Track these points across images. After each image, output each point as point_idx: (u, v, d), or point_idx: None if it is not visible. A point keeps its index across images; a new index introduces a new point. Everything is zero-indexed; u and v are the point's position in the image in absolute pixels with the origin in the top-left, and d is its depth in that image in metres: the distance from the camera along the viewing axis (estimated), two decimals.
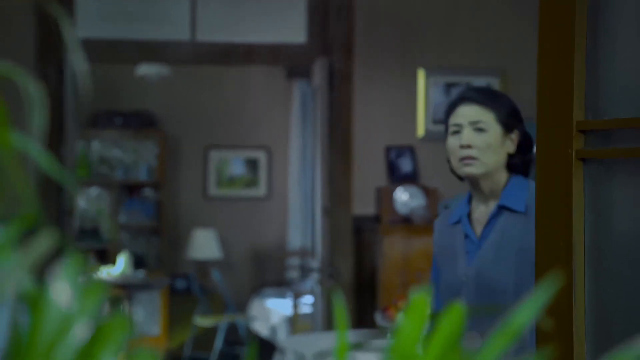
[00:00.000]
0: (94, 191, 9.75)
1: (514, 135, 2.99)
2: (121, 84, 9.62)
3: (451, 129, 2.99)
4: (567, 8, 1.98)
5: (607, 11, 1.93)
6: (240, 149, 10.05)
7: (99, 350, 0.69)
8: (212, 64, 8.36)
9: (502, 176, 2.97)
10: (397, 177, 6.88)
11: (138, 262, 9.35)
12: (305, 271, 9.41)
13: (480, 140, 2.91)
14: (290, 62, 7.60)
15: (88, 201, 9.66)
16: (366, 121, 6.82)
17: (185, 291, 9.48)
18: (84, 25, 6.87)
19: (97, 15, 6.95)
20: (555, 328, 1.92)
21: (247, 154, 10.07)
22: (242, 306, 9.57)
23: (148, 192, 9.91)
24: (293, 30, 7.09)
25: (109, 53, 7.07)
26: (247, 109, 9.94)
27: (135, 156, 9.90)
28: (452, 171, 3.04)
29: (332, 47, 6.88)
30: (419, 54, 6.90)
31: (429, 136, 6.87)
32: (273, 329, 8.62)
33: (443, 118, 3.10)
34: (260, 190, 10.09)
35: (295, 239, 9.84)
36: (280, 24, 7.13)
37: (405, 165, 6.90)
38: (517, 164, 3.00)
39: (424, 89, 6.86)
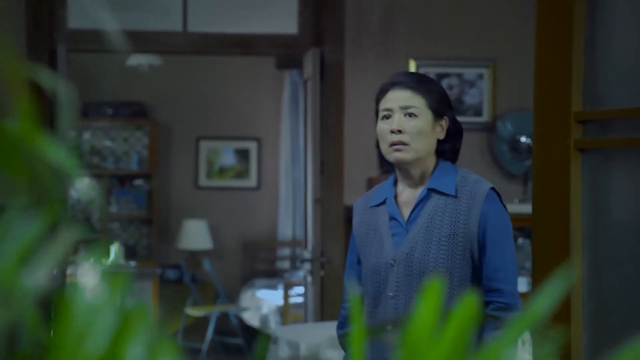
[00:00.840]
0: (85, 181, 9.74)
1: (444, 122, 2.95)
2: (112, 74, 9.60)
3: (381, 113, 2.95)
4: None
5: (606, 1, 1.94)
6: (231, 140, 10.04)
7: (126, 340, 0.70)
8: (204, 54, 8.34)
9: (432, 162, 2.95)
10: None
11: (129, 252, 9.34)
12: (296, 261, 9.42)
13: (411, 125, 2.88)
14: (281, 52, 7.59)
15: (79, 191, 9.64)
16: (357, 111, 6.83)
17: (176, 281, 9.48)
18: (75, 15, 6.85)
19: (89, 4, 6.93)
20: (554, 314, 1.93)
21: (237, 144, 10.07)
22: (233, 296, 9.58)
23: (139, 182, 9.90)
24: (284, 20, 7.08)
25: (100, 43, 7.05)
26: (237, 100, 9.93)
27: (126, 146, 9.89)
28: (381, 157, 3.00)
29: (323, 38, 6.88)
30: (410, 45, 6.90)
31: None
32: (264, 319, 8.63)
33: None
34: (251, 180, 10.09)
35: (286, 229, 9.84)
36: (272, 15, 7.13)
37: None
38: (447, 151, 2.97)
39: None
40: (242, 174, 10.08)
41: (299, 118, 9.50)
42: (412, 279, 2.82)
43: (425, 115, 2.89)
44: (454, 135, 2.98)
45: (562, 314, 1.88)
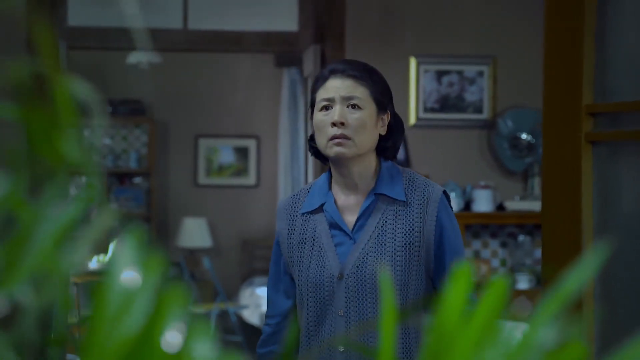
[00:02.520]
0: (83, 179, 9.74)
1: (386, 116, 2.69)
2: (111, 72, 9.59)
3: (320, 104, 2.67)
4: None
5: None
6: (229, 137, 10.04)
7: (162, 322, 0.70)
8: (203, 51, 8.35)
9: (372, 160, 2.68)
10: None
11: None
12: None
13: (354, 118, 2.61)
14: (282, 49, 7.59)
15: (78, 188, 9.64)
16: None
17: (175, 279, 9.48)
18: (75, 13, 6.85)
19: (89, 2, 6.93)
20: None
21: (236, 142, 10.07)
22: (232, 294, 9.57)
23: (138, 180, 9.90)
24: (285, 18, 7.09)
25: (100, 40, 7.05)
26: (236, 98, 9.93)
27: (125, 144, 9.88)
28: (316, 153, 2.73)
29: (323, 35, 6.88)
30: (410, 42, 6.91)
31: (421, 124, 6.87)
32: (263, 317, 8.63)
33: (311, 90, 2.75)
34: (250, 178, 10.09)
35: None
36: (272, 12, 7.13)
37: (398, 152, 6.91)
38: (387, 148, 2.71)
39: (416, 77, 6.87)
40: (241, 171, 10.08)
41: (298, 116, 9.51)
42: (365, 295, 2.57)
43: (369, 107, 2.64)
44: (396, 131, 2.73)
45: (572, 306, 1.87)
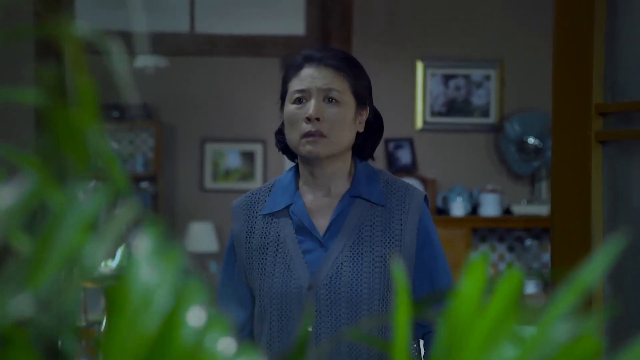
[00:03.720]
0: (90, 183, 9.75)
1: (365, 112, 2.44)
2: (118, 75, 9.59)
3: (293, 95, 2.38)
4: None
5: None
6: (236, 142, 10.05)
7: (182, 318, 0.70)
8: (210, 55, 8.35)
9: (347, 160, 2.42)
10: (395, 169, 6.88)
11: None
12: None
13: (331, 113, 2.34)
14: (288, 53, 7.59)
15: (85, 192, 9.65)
16: None
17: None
18: (82, 17, 6.86)
19: (96, 5, 6.94)
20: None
21: (243, 146, 10.07)
22: None
23: (144, 184, 9.90)
24: (291, 21, 7.09)
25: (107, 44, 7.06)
26: (243, 101, 9.93)
27: (131, 148, 9.89)
28: (284, 148, 2.47)
29: (329, 39, 6.89)
30: (417, 46, 6.90)
31: (428, 128, 6.87)
32: None
33: (282, 80, 2.46)
34: (257, 182, 10.09)
35: None
36: (279, 16, 7.13)
37: (404, 156, 6.91)
38: (364, 147, 2.46)
39: (423, 81, 6.86)
40: (248, 176, 10.08)
41: None
42: (339, 310, 2.28)
43: (348, 102, 2.37)
44: (375, 129, 2.48)
45: (582, 305, 1.87)
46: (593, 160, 1.97)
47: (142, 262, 0.70)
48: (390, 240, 2.33)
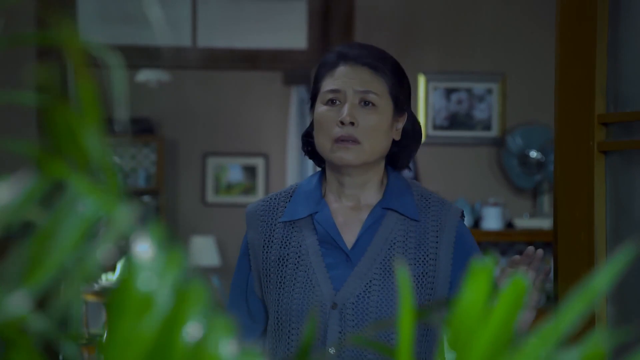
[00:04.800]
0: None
1: (402, 119, 2.21)
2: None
3: (325, 95, 2.15)
4: None
5: (629, 1, 1.93)
6: (238, 156, 10.05)
7: (183, 317, 0.69)
8: (212, 69, 8.36)
9: (380, 170, 2.19)
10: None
11: None
12: None
13: (367, 118, 2.12)
14: (290, 67, 7.60)
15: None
16: None
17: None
18: (84, 31, 6.87)
19: (98, 19, 6.95)
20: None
21: (245, 160, 10.07)
22: None
23: (146, 198, 9.90)
24: (293, 35, 7.10)
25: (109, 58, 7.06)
26: (245, 115, 9.94)
27: (133, 163, 9.89)
28: (311, 153, 2.26)
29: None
30: (419, 59, 6.91)
31: (430, 141, 6.87)
32: None
33: (313, 80, 2.23)
34: (259, 196, 10.08)
35: None
36: (281, 30, 7.14)
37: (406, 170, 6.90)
38: (400, 157, 2.24)
39: (425, 94, 6.86)
40: (250, 190, 10.08)
41: None
42: (366, 333, 2.01)
43: (386, 106, 2.15)
44: (412, 137, 2.25)
45: (585, 318, 1.86)
46: (596, 170, 1.97)
47: (143, 264, 0.70)
48: (425, 258, 2.12)
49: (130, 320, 0.68)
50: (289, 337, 2.09)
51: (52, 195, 0.71)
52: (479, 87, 6.81)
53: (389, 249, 2.11)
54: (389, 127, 2.15)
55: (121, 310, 0.68)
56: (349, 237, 2.14)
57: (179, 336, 0.69)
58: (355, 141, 2.10)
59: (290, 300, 2.11)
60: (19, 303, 0.63)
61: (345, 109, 2.10)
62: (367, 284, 2.07)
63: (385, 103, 2.14)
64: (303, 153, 2.28)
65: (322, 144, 2.14)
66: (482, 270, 0.85)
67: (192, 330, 0.69)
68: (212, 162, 10.04)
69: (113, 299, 0.69)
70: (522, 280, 0.83)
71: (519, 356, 0.79)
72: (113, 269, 0.75)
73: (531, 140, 6.71)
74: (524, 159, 6.71)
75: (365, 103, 2.13)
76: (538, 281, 2.01)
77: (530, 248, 2.05)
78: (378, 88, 2.13)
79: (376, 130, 2.11)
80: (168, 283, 0.70)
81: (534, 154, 6.69)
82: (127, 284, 0.69)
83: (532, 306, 2.00)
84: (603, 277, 0.77)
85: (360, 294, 2.07)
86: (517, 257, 2.08)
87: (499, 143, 6.76)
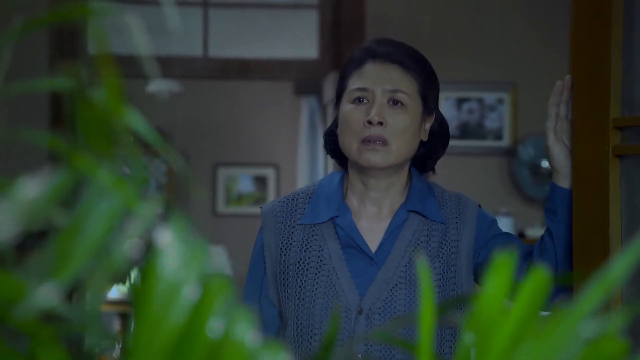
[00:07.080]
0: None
1: (430, 119, 2.14)
2: (131, 101, 9.63)
3: (352, 93, 2.07)
4: (602, 0, 1.97)
5: None
6: (248, 166, 10.06)
7: (209, 308, 0.70)
8: (223, 79, 8.38)
9: (405, 172, 2.13)
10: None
11: None
12: None
13: (396, 118, 2.04)
14: (302, 77, 7.61)
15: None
16: None
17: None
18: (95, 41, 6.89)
19: (108, 30, 6.97)
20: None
21: (255, 171, 10.08)
22: None
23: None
24: (305, 45, 7.11)
25: (121, 68, 7.09)
26: (255, 126, 9.95)
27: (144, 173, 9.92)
28: (333, 152, 2.17)
29: (343, 62, 6.90)
30: None
31: None
32: None
33: (340, 76, 2.15)
34: None
35: None
36: (292, 39, 7.15)
37: None
38: (426, 158, 2.18)
39: None
40: (260, 200, 10.09)
41: (317, 145, 9.52)
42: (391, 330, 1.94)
43: (415, 106, 2.07)
44: (440, 138, 2.19)
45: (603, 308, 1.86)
46: (611, 174, 1.97)
47: (167, 255, 0.70)
48: (448, 256, 2.06)
49: (157, 312, 0.68)
50: (310, 344, 2.01)
51: (75, 190, 0.71)
52: (490, 97, 6.80)
53: (412, 251, 2.04)
54: (418, 128, 2.09)
55: (148, 301, 0.68)
56: (372, 241, 2.07)
57: (204, 327, 0.69)
58: (383, 142, 2.03)
59: (312, 306, 2.04)
60: (47, 296, 0.63)
61: (374, 108, 2.03)
62: (393, 287, 2.02)
63: (414, 103, 2.07)
64: (320, 156, 2.27)
65: (348, 143, 2.06)
66: (503, 264, 0.85)
67: (216, 322, 0.70)
68: (222, 173, 10.05)
69: (138, 290, 0.69)
70: (543, 275, 0.83)
71: (537, 350, 0.79)
72: (124, 280, 0.75)
73: (543, 150, 6.70)
74: (535, 168, 6.71)
75: (394, 102, 2.05)
76: (571, 114, 2.12)
77: (559, 83, 2.13)
78: (408, 87, 2.07)
79: (405, 131, 2.05)
80: (194, 274, 0.70)
81: (545, 163, 6.68)
82: (153, 276, 0.69)
83: (566, 140, 2.13)
84: (619, 267, 0.77)
85: (387, 298, 2.01)
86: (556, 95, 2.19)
87: (510, 153, 6.75)
